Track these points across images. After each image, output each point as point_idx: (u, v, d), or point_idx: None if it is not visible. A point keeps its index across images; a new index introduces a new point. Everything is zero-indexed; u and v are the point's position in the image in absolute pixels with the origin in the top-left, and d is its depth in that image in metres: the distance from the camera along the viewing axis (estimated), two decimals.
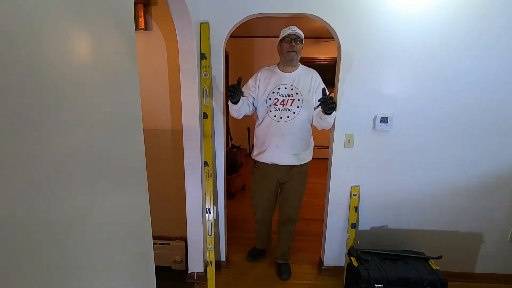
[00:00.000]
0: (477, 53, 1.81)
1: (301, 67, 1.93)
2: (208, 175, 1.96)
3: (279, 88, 1.87)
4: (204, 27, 1.84)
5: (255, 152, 2.02)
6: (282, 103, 1.85)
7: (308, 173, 2.05)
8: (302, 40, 1.83)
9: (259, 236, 2.30)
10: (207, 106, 1.92)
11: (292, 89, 1.86)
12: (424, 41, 1.81)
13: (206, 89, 1.89)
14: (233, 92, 1.74)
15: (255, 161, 2.04)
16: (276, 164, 1.93)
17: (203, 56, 1.85)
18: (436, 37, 1.80)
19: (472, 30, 1.78)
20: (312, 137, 2.00)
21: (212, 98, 1.94)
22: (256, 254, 2.38)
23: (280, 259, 2.22)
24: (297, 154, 1.92)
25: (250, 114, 1.97)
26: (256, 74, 1.97)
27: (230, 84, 1.77)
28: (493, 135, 1.92)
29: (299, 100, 1.85)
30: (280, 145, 1.88)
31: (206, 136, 1.94)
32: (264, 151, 1.93)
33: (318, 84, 1.89)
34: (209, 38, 1.86)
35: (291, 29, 1.81)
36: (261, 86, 1.91)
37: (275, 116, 1.86)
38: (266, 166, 1.97)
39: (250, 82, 1.96)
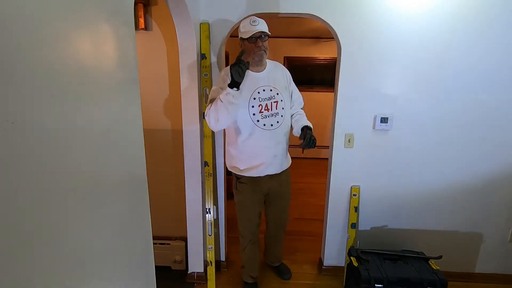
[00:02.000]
0: (477, 53, 1.81)
1: (269, 63, 1.72)
2: (208, 175, 1.96)
3: (258, 92, 1.63)
4: (204, 27, 1.84)
5: (242, 167, 1.72)
6: (266, 108, 1.63)
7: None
8: (268, 34, 1.59)
9: (252, 264, 1.98)
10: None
11: (271, 90, 1.65)
12: (425, 41, 1.81)
13: (206, 89, 1.89)
14: (242, 67, 1.41)
15: (240, 177, 1.76)
16: (270, 174, 1.73)
17: (203, 56, 1.85)
18: (436, 37, 1.80)
19: (472, 30, 1.78)
20: None
21: None
22: None
23: (277, 262, 2.20)
24: (287, 157, 1.83)
25: (227, 126, 1.66)
26: (221, 75, 1.66)
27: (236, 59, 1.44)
28: (493, 135, 1.92)
29: (281, 100, 1.66)
30: (278, 154, 1.70)
31: (206, 136, 1.94)
32: (260, 164, 1.68)
33: (289, 79, 1.77)
34: (209, 38, 1.86)
35: (253, 23, 1.54)
36: None
37: (264, 124, 1.63)
38: (257, 180, 1.74)
39: (216, 88, 1.62)
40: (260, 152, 1.68)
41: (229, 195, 2.18)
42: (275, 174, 1.76)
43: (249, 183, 1.76)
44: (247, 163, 1.71)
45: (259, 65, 1.66)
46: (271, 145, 1.68)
